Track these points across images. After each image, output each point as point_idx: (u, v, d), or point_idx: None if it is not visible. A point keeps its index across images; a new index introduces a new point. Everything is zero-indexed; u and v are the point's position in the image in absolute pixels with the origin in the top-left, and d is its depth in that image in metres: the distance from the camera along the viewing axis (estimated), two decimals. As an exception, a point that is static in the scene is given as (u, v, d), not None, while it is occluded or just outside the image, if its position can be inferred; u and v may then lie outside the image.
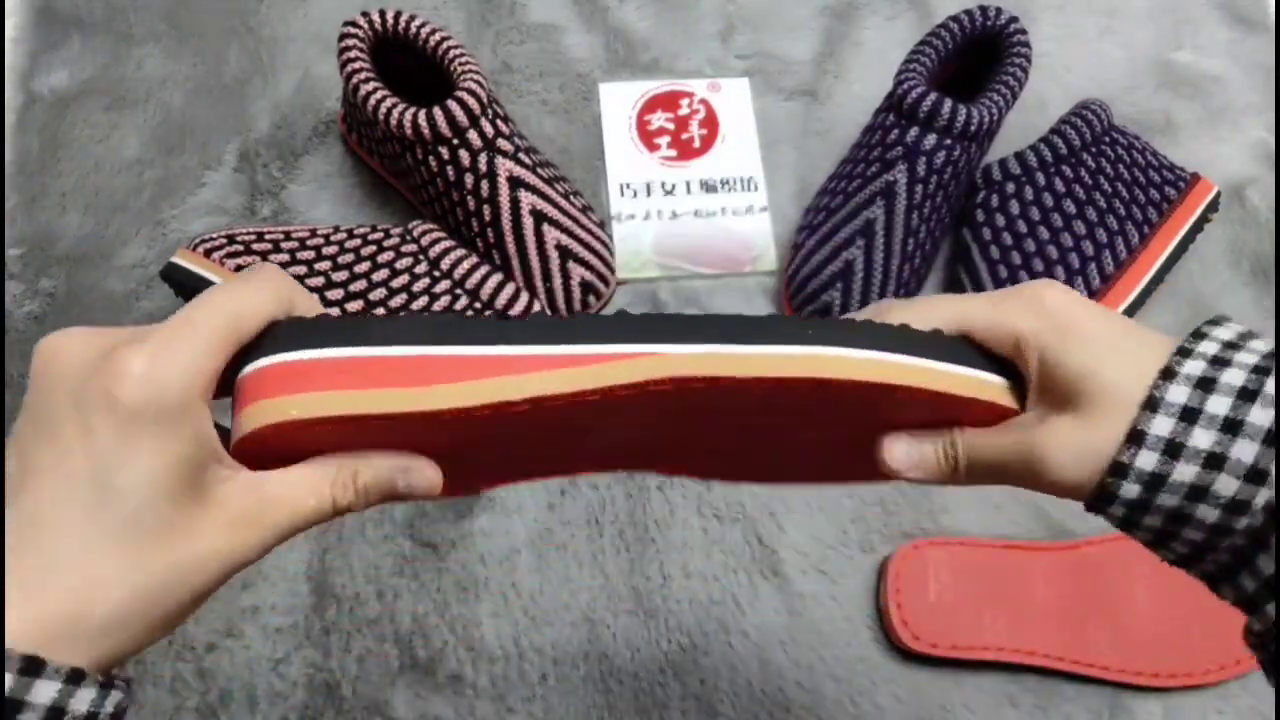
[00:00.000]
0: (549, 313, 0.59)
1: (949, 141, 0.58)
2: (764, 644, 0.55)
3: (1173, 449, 0.26)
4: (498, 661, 0.54)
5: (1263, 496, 0.26)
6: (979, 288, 0.60)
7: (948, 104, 0.57)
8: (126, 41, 0.71)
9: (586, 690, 0.54)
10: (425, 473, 0.30)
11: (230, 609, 0.55)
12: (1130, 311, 0.59)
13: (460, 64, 0.58)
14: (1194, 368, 0.27)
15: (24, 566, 0.24)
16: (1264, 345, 0.28)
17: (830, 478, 0.41)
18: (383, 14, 0.59)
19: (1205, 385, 0.26)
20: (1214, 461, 0.26)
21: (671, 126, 0.70)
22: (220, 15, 0.72)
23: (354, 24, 0.59)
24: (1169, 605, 0.55)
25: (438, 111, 0.55)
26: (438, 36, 0.59)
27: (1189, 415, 0.26)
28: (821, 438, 0.33)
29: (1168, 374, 0.27)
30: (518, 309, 0.58)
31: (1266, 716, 0.54)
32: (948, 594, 0.55)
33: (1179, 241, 0.62)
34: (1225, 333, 0.28)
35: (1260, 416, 0.26)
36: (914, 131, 0.58)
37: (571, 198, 0.61)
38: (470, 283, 0.57)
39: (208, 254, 0.56)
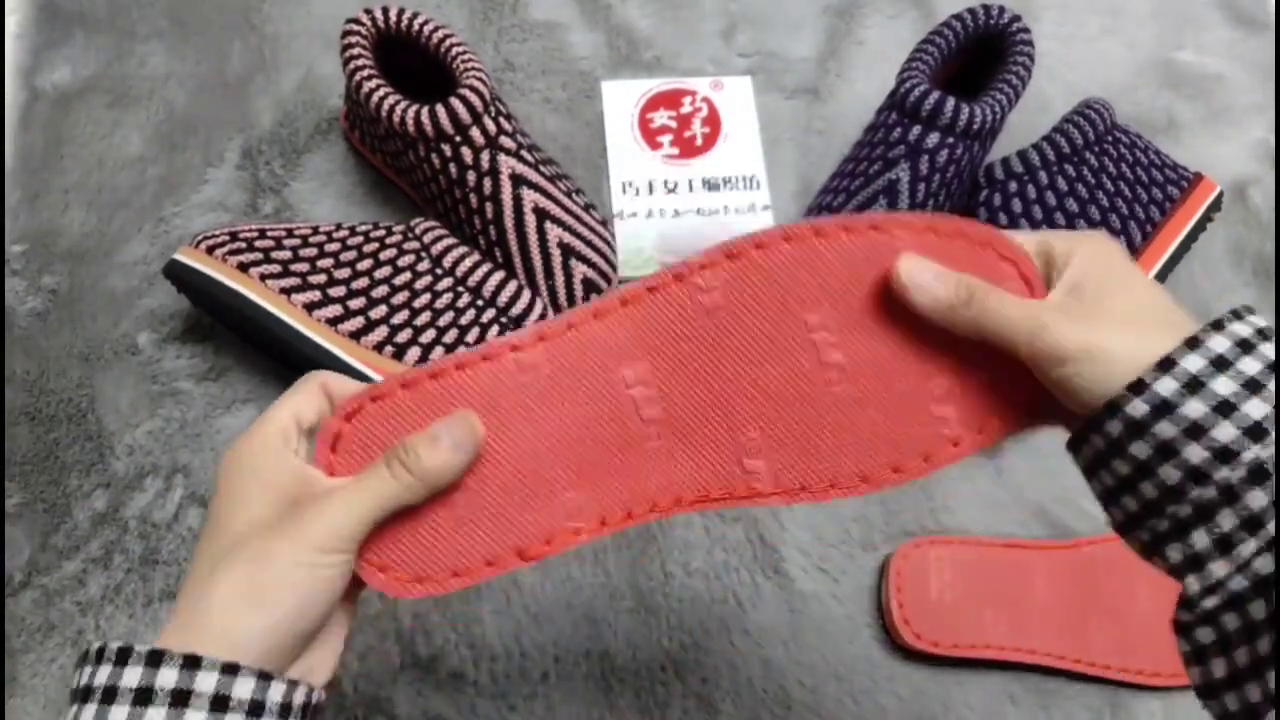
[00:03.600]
0: (551, 311, 0.59)
1: (951, 140, 0.58)
2: (765, 642, 0.55)
3: (1194, 385, 0.28)
4: (499, 659, 0.54)
5: (1252, 452, 0.27)
6: (981, 287, 0.60)
7: (950, 102, 0.57)
8: (129, 38, 0.71)
9: (588, 688, 0.54)
10: (467, 423, 0.32)
11: (232, 606, 0.55)
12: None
13: (463, 61, 0.58)
14: (1241, 329, 0.29)
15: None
16: None
17: (866, 446, 0.38)
18: (385, 11, 0.59)
19: (1244, 345, 0.28)
20: (1224, 408, 0.27)
21: (674, 125, 0.70)
22: (223, 12, 0.72)
23: (357, 21, 0.59)
24: (1169, 605, 0.55)
25: (440, 109, 0.55)
26: (440, 34, 0.59)
27: (1221, 363, 0.28)
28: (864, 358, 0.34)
29: (1217, 325, 0.29)
30: (520, 307, 0.58)
31: (1267, 716, 0.54)
32: (949, 593, 0.55)
33: (1181, 241, 0.62)
34: (1260, 321, 0.30)
35: None
36: (916, 130, 0.58)
37: (574, 195, 0.61)
38: (472, 280, 0.57)
39: (210, 251, 0.56)
